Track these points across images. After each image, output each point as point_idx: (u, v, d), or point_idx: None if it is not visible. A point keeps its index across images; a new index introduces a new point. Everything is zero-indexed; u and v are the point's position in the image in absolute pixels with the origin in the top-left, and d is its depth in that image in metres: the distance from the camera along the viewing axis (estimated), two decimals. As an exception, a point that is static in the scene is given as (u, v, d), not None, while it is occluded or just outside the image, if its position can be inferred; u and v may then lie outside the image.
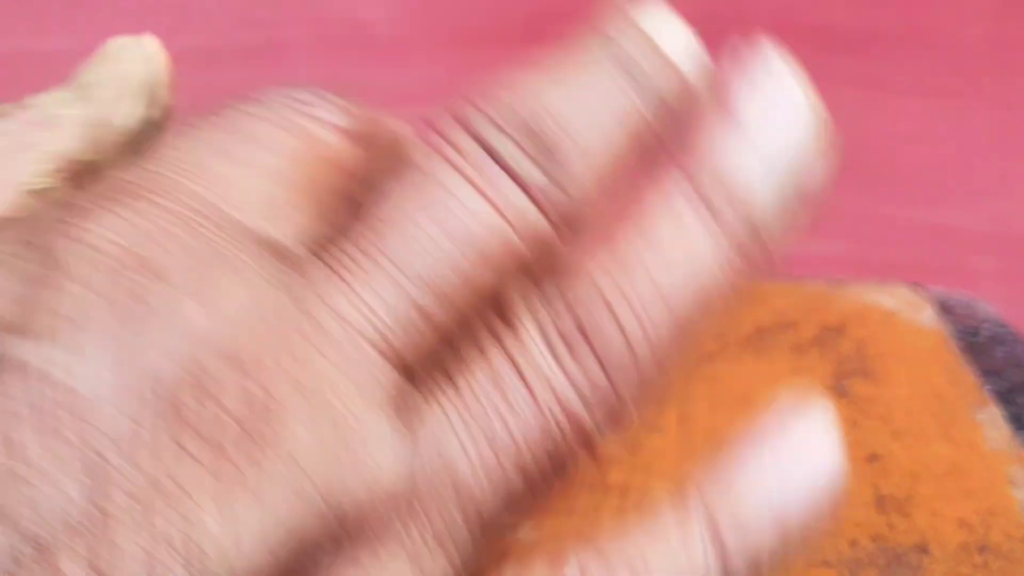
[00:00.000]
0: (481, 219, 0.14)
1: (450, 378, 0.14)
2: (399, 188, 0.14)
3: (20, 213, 0.14)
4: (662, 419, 0.36)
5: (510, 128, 0.14)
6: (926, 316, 0.47)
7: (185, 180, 0.14)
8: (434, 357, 0.14)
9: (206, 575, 0.11)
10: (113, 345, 0.12)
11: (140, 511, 0.11)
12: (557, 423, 0.14)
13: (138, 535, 0.11)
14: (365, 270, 0.14)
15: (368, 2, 0.63)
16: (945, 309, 0.48)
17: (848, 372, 0.41)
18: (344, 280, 0.14)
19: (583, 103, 0.15)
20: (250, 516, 0.11)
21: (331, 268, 0.14)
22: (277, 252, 0.14)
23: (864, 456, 0.34)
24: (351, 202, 0.15)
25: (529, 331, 0.14)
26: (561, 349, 0.14)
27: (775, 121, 0.16)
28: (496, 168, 0.14)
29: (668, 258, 0.15)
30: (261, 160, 0.14)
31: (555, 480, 0.14)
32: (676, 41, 0.17)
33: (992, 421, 0.37)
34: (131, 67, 0.20)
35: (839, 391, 0.39)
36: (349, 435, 0.12)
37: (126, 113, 0.19)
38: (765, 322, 0.46)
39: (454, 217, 0.14)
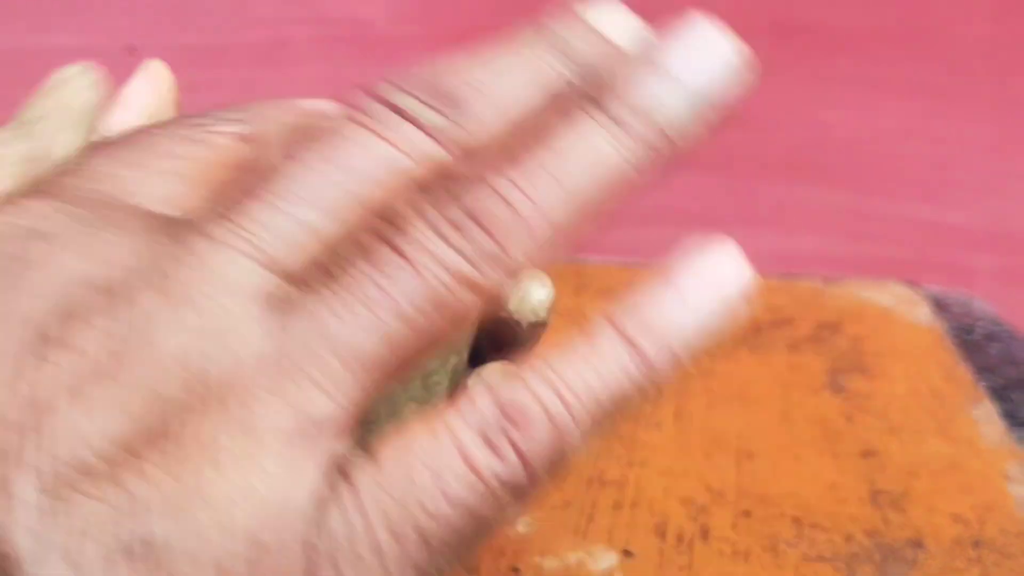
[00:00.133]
0: (370, 151, 0.15)
1: (331, 273, 0.15)
2: (296, 144, 0.15)
3: None
4: (659, 415, 0.36)
5: (414, 89, 0.15)
6: (922, 313, 0.48)
7: (85, 182, 0.16)
8: (321, 263, 0.15)
9: (56, 450, 0.13)
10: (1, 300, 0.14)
11: (3, 416, 0.13)
12: (441, 281, 0.15)
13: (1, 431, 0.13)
14: (247, 206, 0.15)
15: (368, 1, 0.63)
16: (941, 306, 0.48)
17: (844, 369, 0.41)
18: (227, 217, 0.15)
19: (498, 69, 0.16)
20: (104, 394, 0.13)
21: (214, 215, 0.15)
22: (167, 219, 0.15)
23: (860, 452, 0.34)
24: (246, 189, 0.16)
25: (416, 225, 0.15)
26: (447, 230, 0.15)
27: (684, 50, 0.17)
28: (395, 117, 0.15)
29: (565, 155, 0.15)
30: (158, 165, 0.16)
31: (454, 324, 0.15)
32: (613, 21, 0.18)
33: (987, 417, 0.37)
34: (73, 97, 0.20)
35: (835, 387, 0.39)
36: (214, 320, 0.14)
37: (66, 143, 0.19)
38: (761, 319, 0.47)
39: (344, 152, 0.15)
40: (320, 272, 0.15)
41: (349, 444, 0.14)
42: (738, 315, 0.17)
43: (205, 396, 0.13)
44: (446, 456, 0.14)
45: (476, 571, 0.27)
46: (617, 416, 0.15)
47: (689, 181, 0.65)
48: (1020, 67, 0.63)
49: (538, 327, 0.22)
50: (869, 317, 0.46)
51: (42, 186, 0.16)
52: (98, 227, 0.15)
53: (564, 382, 0.15)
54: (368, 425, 0.15)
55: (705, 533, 0.29)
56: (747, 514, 0.30)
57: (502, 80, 0.16)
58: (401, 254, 0.15)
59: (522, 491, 0.14)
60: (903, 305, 0.48)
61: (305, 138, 0.15)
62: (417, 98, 0.15)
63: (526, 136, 0.16)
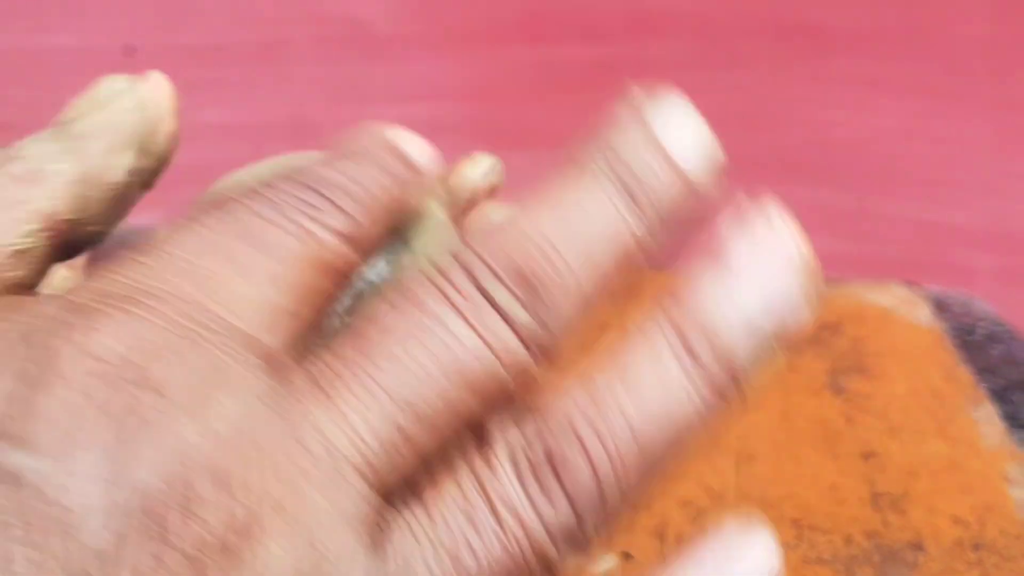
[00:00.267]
0: (469, 350, 0.15)
1: (423, 501, 0.15)
2: (396, 317, 0.15)
3: (15, 301, 0.15)
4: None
5: (502, 271, 0.15)
6: (922, 314, 0.47)
7: (186, 284, 0.15)
8: (411, 478, 0.15)
9: None
10: (105, 460, 0.12)
11: None
12: (523, 553, 0.14)
13: None
14: (352, 391, 0.14)
15: (367, 1, 0.63)
16: (941, 307, 0.48)
17: (844, 369, 0.41)
18: (331, 399, 0.14)
19: (576, 234, 0.16)
20: None
21: (319, 385, 0.14)
22: (270, 361, 0.14)
23: (860, 453, 0.34)
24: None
25: (501, 460, 0.15)
26: (531, 480, 0.15)
27: (764, 272, 0.16)
28: (487, 306, 0.15)
29: (643, 397, 0.15)
30: (263, 266, 0.15)
31: None
32: (687, 141, 0.17)
33: (988, 419, 0.37)
34: (123, 116, 0.18)
35: (835, 388, 0.39)
36: (323, 555, 0.13)
37: (115, 166, 0.18)
38: (762, 320, 0.47)
39: (443, 346, 0.15)
40: (415, 495, 0.15)
41: None
42: (806, 309, 0.16)
43: None
44: (485, 520, 0.14)
45: None
46: (673, 458, 0.15)
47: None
48: (1019, 67, 0.63)
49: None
50: (869, 318, 0.46)
51: (141, 280, 0.14)
52: (209, 378, 0.14)
53: (607, 424, 0.15)
54: None
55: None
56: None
57: (577, 247, 0.16)
58: (489, 500, 0.14)
59: (576, 537, 0.15)
60: (903, 306, 0.48)
61: (406, 310, 0.15)
62: (503, 283, 0.15)
63: (604, 359, 0.16)
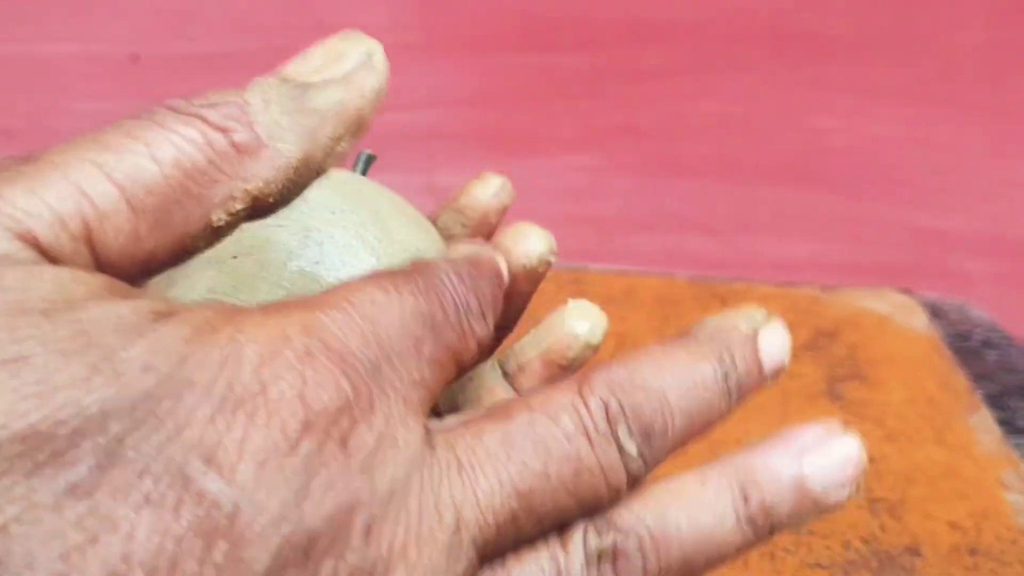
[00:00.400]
0: (586, 468, 0.18)
1: (507, 567, 0.17)
2: (537, 420, 0.18)
3: (225, 318, 0.15)
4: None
5: (632, 420, 0.18)
6: (919, 321, 0.48)
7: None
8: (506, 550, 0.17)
9: None
10: (284, 494, 0.14)
11: None
12: None
13: None
14: (484, 473, 0.17)
15: (369, 8, 0.63)
16: (937, 314, 0.49)
17: (841, 376, 0.41)
18: (466, 475, 0.17)
19: (688, 396, 0.19)
20: None
21: (458, 458, 0.17)
22: (422, 423, 0.17)
23: (857, 459, 0.34)
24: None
25: (577, 550, 0.17)
26: (594, 569, 0.17)
27: (823, 450, 0.19)
28: (612, 442, 0.18)
29: (698, 529, 0.18)
30: (434, 353, 0.18)
31: None
32: (776, 347, 0.21)
33: (984, 425, 0.37)
34: (359, 99, 0.18)
35: (832, 395, 0.39)
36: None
37: (332, 154, 0.17)
38: (760, 326, 0.47)
39: (567, 460, 0.17)
40: (500, 558, 0.17)
41: None
42: (843, 504, 0.19)
43: None
44: None
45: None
46: (704, 570, 0.18)
47: (687, 188, 0.66)
48: (1014, 73, 0.63)
49: (589, 350, 0.24)
50: (866, 325, 0.47)
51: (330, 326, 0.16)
52: (384, 439, 0.15)
53: (665, 539, 0.18)
54: None
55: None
56: (745, 521, 0.30)
57: (685, 407, 0.19)
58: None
59: None
60: (900, 313, 0.48)
61: (543, 408, 0.18)
62: (630, 429, 0.18)
63: (673, 486, 0.19)
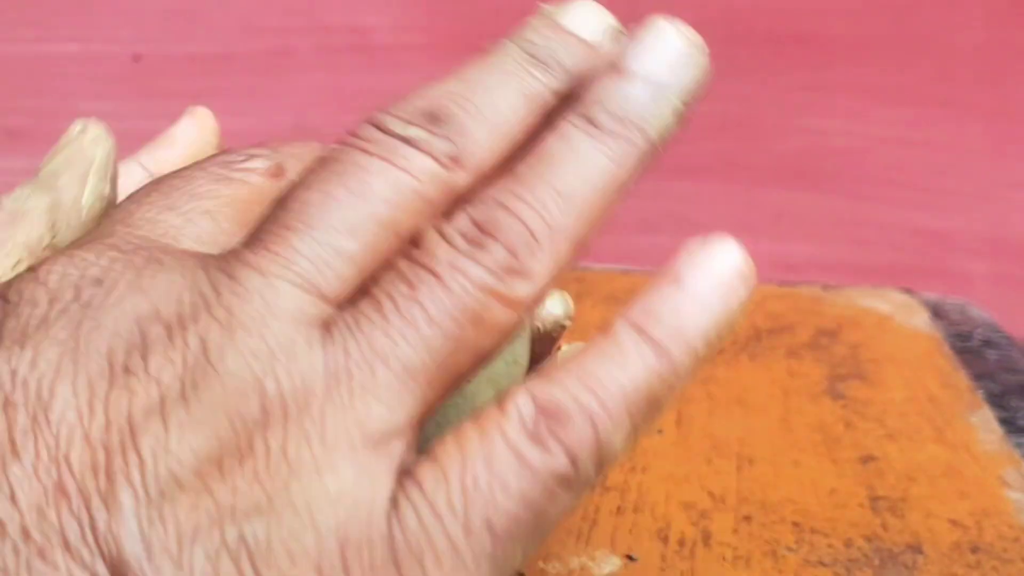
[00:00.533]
0: (385, 177, 0.17)
1: (372, 296, 0.16)
2: (311, 176, 0.17)
3: None
4: (660, 421, 0.36)
5: (410, 116, 0.17)
6: (920, 320, 0.48)
7: (132, 229, 0.17)
8: (360, 286, 0.16)
9: (149, 466, 0.14)
10: (61, 336, 0.15)
11: (89, 436, 0.14)
12: (468, 293, 0.16)
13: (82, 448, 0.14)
14: (279, 235, 0.16)
15: (370, 10, 0.63)
16: (939, 313, 0.49)
17: (843, 375, 0.41)
18: (267, 249, 0.16)
19: (483, 86, 0.18)
20: (187, 416, 0.14)
21: (254, 247, 0.16)
22: (214, 256, 0.17)
23: (859, 458, 0.34)
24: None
25: (438, 243, 0.16)
26: (461, 243, 0.16)
27: (645, 49, 0.18)
28: (399, 143, 0.17)
29: (559, 165, 0.17)
30: (197, 206, 0.18)
31: (492, 337, 0.16)
32: (587, 21, 0.20)
33: (985, 424, 0.37)
34: (86, 149, 0.21)
35: (834, 394, 0.39)
36: (273, 345, 0.15)
37: (83, 192, 0.21)
38: (761, 326, 0.47)
39: (360, 182, 0.17)
40: (361, 295, 0.16)
41: (414, 450, 0.16)
42: (745, 304, 0.18)
43: (278, 414, 0.15)
44: (500, 454, 0.15)
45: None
46: (652, 414, 0.17)
47: (688, 189, 0.66)
48: (1013, 74, 0.63)
49: (558, 327, 0.24)
50: (868, 324, 0.47)
51: (93, 236, 0.17)
52: (152, 270, 0.16)
53: (598, 382, 0.16)
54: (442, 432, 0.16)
55: (707, 538, 0.29)
56: (748, 519, 0.30)
57: (488, 96, 0.18)
58: (431, 272, 0.16)
59: (572, 484, 0.16)
60: (901, 312, 0.48)
61: (326, 171, 0.17)
62: (413, 124, 0.17)
63: (522, 153, 0.17)
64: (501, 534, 0.15)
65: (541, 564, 0.28)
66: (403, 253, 0.16)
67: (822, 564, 0.28)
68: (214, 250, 0.17)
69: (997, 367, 0.43)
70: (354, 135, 0.17)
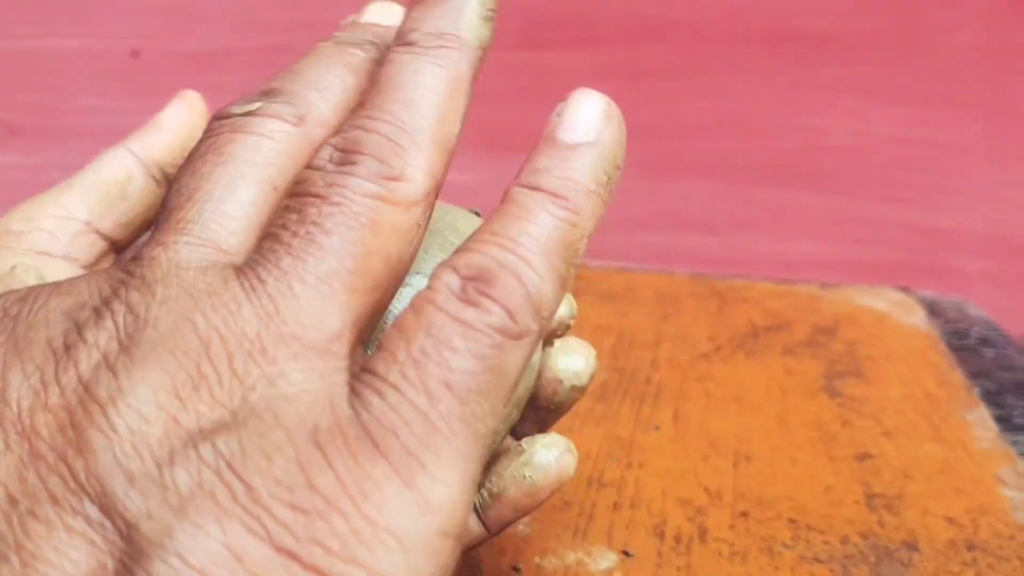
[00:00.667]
0: (247, 145, 0.18)
1: (271, 233, 0.17)
2: (183, 168, 0.19)
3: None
4: (657, 418, 0.36)
5: (247, 98, 0.19)
6: (917, 318, 0.48)
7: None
8: (268, 233, 0.17)
9: (123, 421, 0.15)
10: (8, 341, 0.16)
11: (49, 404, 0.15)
12: (360, 204, 0.17)
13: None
14: (175, 218, 0.18)
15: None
16: (936, 311, 0.49)
17: (840, 373, 0.41)
18: (162, 230, 0.18)
19: (308, 67, 0.20)
20: (128, 364, 0.15)
21: (153, 236, 0.18)
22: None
23: (855, 455, 0.34)
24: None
25: (310, 175, 0.18)
26: (337, 168, 0.18)
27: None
28: (247, 119, 0.19)
29: (398, 84, 0.19)
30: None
31: (398, 239, 0.18)
32: (382, 12, 0.22)
33: (981, 422, 0.37)
34: None
35: (831, 391, 0.39)
36: (187, 290, 0.16)
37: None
38: (759, 324, 0.47)
39: (226, 152, 0.18)
40: (270, 240, 0.17)
41: (360, 350, 0.17)
42: (619, 139, 0.19)
43: (216, 341, 0.16)
44: (439, 322, 0.16)
45: (477, 569, 0.27)
46: (571, 257, 0.18)
47: (686, 187, 0.66)
48: (1011, 73, 0.63)
49: (577, 392, 0.24)
50: (865, 322, 0.47)
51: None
52: (69, 280, 0.17)
53: (512, 240, 0.17)
54: None
55: (703, 534, 0.29)
56: (744, 515, 0.30)
57: (315, 72, 0.20)
58: (314, 196, 0.17)
59: (516, 334, 0.17)
60: (898, 310, 0.48)
61: (191, 162, 0.19)
62: (253, 101, 0.19)
63: (363, 92, 0.19)
64: (462, 391, 0.16)
65: (537, 560, 0.28)
66: (286, 195, 0.18)
67: (818, 560, 0.28)
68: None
69: (994, 365, 0.43)
70: (207, 130, 0.19)
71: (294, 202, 0.17)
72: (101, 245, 0.21)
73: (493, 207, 0.25)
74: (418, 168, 0.18)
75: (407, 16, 0.20)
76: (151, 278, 0.16)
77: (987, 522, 0.31)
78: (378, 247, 0.17)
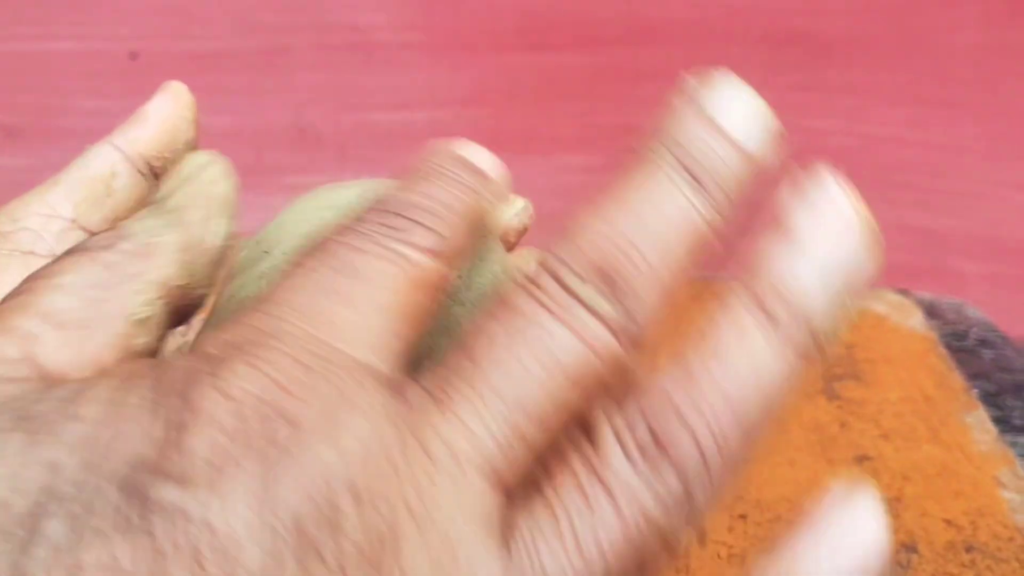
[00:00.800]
0: (564, 346, 0.16)
1: (544, 495, 0.15)
2: (496, 325, 0.16)
3: (152, 361, 0.16)
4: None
5: (583, 271, 0.17)
6: (916, 321, 0.48)
7: (300, 323, 0.16)
8: (530, 476, 0.16)
9: None
10: (253, 487, 0.13)
11: None
12: (639, 528, 0.15)
13: None
14: (465, 397, 0.15)
15: (369, 8, 0.63)
16: (934, 313, 0.49)
17: (839, 375, 0.41)
18: (447, 408, 0.15)
19: (648, 227, 0.17)
20: None
21: (434, 397, 0.16)
22: (386, 383, 0.15)
23: (854, 457, 0.34)
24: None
25: (610, 444, 0.16)
26: (639, 460, 0.15)
27: (826, 232, 0.17)
28: (575, 304, 0.16)
29: (734, 368, 0.16)
30: (365, 294, 0.16)
31: (640, 570, 0.15)
32: (740, 115, 0.19)
33: (980, 424, 0.37)
34: (213, 186, 0.20)
35: (830, 394, 0.39)
36: (456, 554, 0.14)
37: (214, 232, 0.19)
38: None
39: (541, 345, 0.16)
40: (534, 489, 0.16)
41: None
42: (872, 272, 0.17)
43: None
44: (616, 520, 0.15)
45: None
46: (767, 420, 0.16)
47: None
48: (1009, 74, 0.63)
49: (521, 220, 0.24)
50: (863, 325, 0.47)
51: (264, 326, 0.16)
52: (335, 405, 0.15)
53: (704, 397, 0.16)
54: None
55: (701, 536, 0.29)
56: (743, 518, 0.30)
57: (651, 240, 0.17)
58: (607, 491, 0.15)
59: (687, 510, 0.15)
60: (897, 313, 0.48)
61: (508, 320, 0.16)
62: (588, 280, 0.17)
63: (693, 338, 0.17)
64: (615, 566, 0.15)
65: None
66: (578, 450, 0.16)
67: (817, 563, 0.28)
68: (388, 362, 0.16)
69: (992, 366, 0.43)
70: (532, 282, 0.17)
71: (586, 478, 0.15)
72: None
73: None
74: (702, 505, 0.16)
75: (768, 251, 0.17)
76: (428, 506, 0.15)
77: (986, 524, 0.31)
78: (621, 570, 0.15)
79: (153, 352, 0.18)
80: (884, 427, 0.37)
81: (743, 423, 0.16)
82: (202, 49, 0.63)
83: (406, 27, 0.64)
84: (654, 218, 0.17)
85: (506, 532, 0.15)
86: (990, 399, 0.40)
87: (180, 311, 0.18)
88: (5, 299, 0.17)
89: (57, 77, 0.62)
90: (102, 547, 0.13)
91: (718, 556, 0.28)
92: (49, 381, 0.15)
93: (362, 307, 0.16)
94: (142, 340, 0.17)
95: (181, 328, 0.19)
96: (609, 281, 0.16)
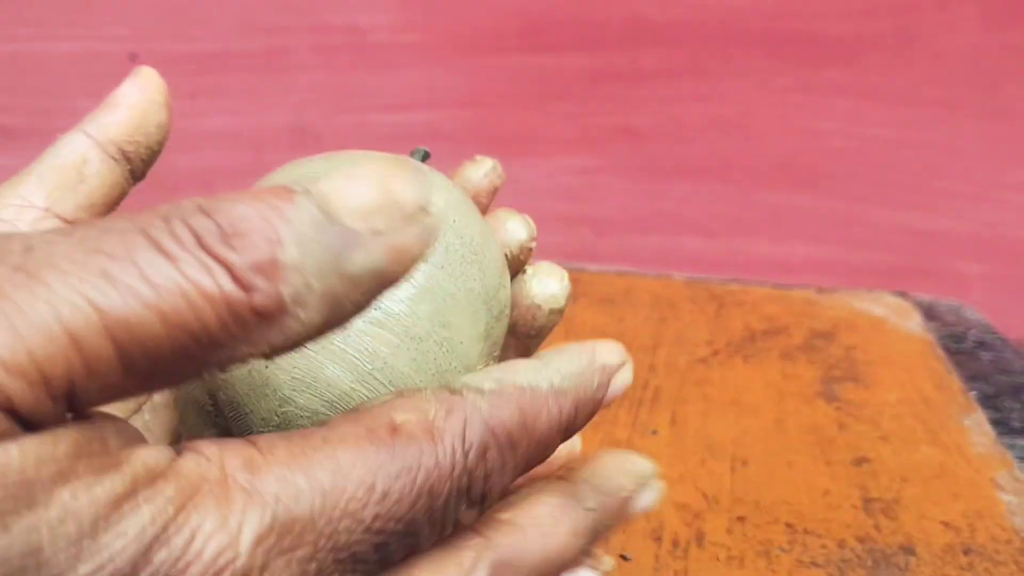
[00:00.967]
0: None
1: None
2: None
3: None
4: (655, 422, 0.37)
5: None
6: (914, 323, 0.48)
7: None
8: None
9: None
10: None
11: None
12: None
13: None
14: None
15: (367, 10, 0.63)
16: (932, 315, 0.49)
17: (837, 377, 0.41)
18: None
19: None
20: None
21: None
22: None
23: (852, 459, 0.34)
24: None
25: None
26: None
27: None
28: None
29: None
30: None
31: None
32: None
33: (978, 426, 0.37)
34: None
35: (828, 396, 0.39)
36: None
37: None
38: (756, 328, 0.47)
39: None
40: None
41: None
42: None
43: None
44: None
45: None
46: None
47: (684, 190, 0.66)
48: (1009, 76, 0.63)
49: (555, 315, 0.23)
50: (862, 327, 0.47)
51: None
52: None
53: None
54: None
55: (700, 538, 0.29)
56: (741, 520, 0.30)
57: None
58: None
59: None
60: (895, 315, 0.48)
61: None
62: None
63: None
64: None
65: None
66: None
67: (815, 565, 0.28)
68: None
69: (991, 368, 0.43)
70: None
71: None
72: None
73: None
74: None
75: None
76: None
77: (984, 526, 0.31)
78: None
79: None
80: (883, 429, 0.37)
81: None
82: (202, 49, 0.63)
83: (405, 28, 0.64)
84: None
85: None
86: (988, 401, 0.40)
87: None
88: None
89: (56, 78, 0.62)
90: None
91: (717, 559, 0.28)
92: None
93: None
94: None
95: None
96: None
